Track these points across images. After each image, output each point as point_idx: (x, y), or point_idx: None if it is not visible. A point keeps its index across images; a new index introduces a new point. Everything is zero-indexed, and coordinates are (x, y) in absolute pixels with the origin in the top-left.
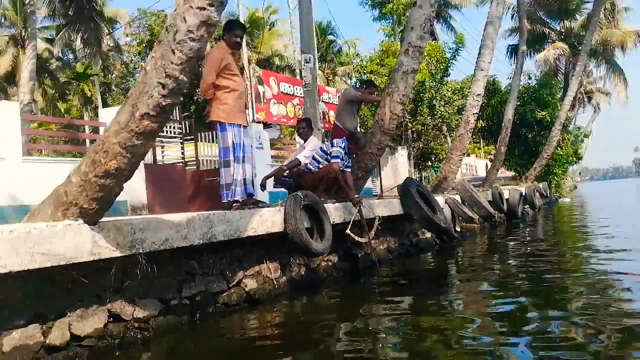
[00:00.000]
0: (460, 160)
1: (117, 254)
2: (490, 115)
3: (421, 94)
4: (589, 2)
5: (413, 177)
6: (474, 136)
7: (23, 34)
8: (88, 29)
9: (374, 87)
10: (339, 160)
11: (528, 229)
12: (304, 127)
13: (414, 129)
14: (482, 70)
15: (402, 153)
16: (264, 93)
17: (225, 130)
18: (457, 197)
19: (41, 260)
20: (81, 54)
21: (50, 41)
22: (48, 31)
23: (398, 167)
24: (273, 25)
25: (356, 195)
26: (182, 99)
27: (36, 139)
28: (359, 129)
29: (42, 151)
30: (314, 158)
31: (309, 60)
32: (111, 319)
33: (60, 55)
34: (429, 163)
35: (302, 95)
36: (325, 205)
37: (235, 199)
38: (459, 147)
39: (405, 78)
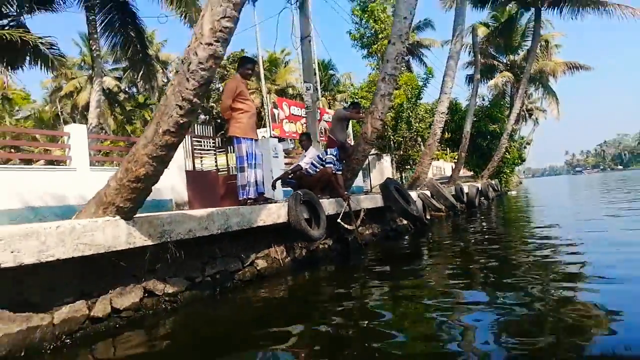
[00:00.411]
0: (430, 163)
1: (149, 242)
2: (453, 129)
3: (400, 113)
4: (528, 40)
5: (393, 178)
6: (441, 145)
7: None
8: (144, 69)
9: (359, 107)
10: (332, 165)
11: (483, 215)
12: (305, 139)
13: (394, 141)
14: (445, 93)
15: (386, 159)
16: (278, 114)
17: (240, 142)
18: (428, 192)
19: (83, 249)
20: (142, 88)
21: (119, 79)
22: (117, 71)
23: (384, 170)
24: (287, 63)
25: (345, 192)
26: (219, 121)
27: (108, 153)
28: (352, 140)
29: (113, 162)
30: (312, 164)
31: (310, 87)
32: (146, 295)
33: (126, 89)
34: (408, 166)
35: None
36: (321, 200)
37: (249, 197)
38: (429, 153)
39: (383, 100)
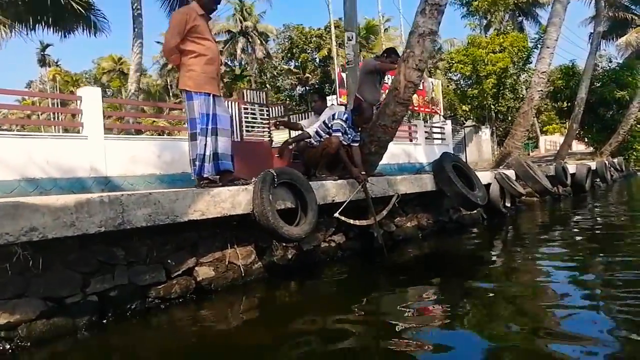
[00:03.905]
0: (524, 136)
1: None
2: (569, 97)
3: (503, 79)
4: None
5: (493, 153)
6: (560, 117)
7: None
8: (246, 41)
9: (396, 55)
10: (339, 134)
11: (598, 202)
12: (317, 99)
13: (496, 110)
14: (547, 48)
15: (485, 132)
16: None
17: (191, 99)
18: (511, 172)
19: None
20: (244, 60)
21: (220, 52)
22: (219, 45)
23: (482, 143)
24: (387, 30)
25: (362, 172)
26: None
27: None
28: None
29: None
30: (317, 132)
31: (351, 37)
32: None
33: (227, 62)
34: None
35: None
36: (321, 182)
37: (204, 175)
38: (523, 123)
39: (422, 41)
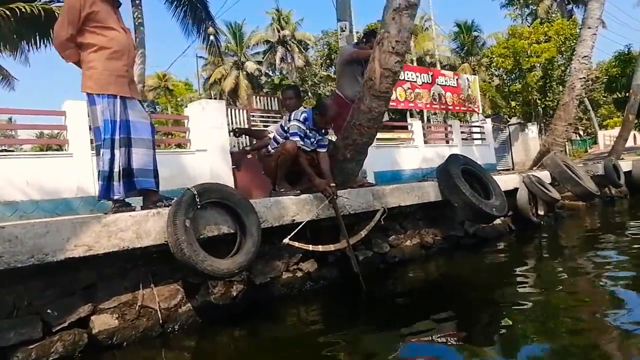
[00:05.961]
0: (566, 130)
1: None
2: (625, 86)
3: (550, 72)
4: None
5: (543, 150)
6: (617, 108)
7: (242, 59)
8: (284, 50)
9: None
10: (297, 138)
11: None
12: (291, 96)
13: (543, 106)
14: (589, 28)
15: (532, 129)
16: None
17: (94, 103)
18: (545, 174)
19: None
20: (285, 70)
21: (259, 63)
22: (258, 55)
23: (528, 142)
24: (426, 29)
25: (332, 183)
26: None
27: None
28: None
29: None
30: (274, 138)
31: (345, 28)
32: None
33: (267, 72)
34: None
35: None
36: (275, 198)
37: (115, 197)
38: (564, 116)
39: (398, 18)
